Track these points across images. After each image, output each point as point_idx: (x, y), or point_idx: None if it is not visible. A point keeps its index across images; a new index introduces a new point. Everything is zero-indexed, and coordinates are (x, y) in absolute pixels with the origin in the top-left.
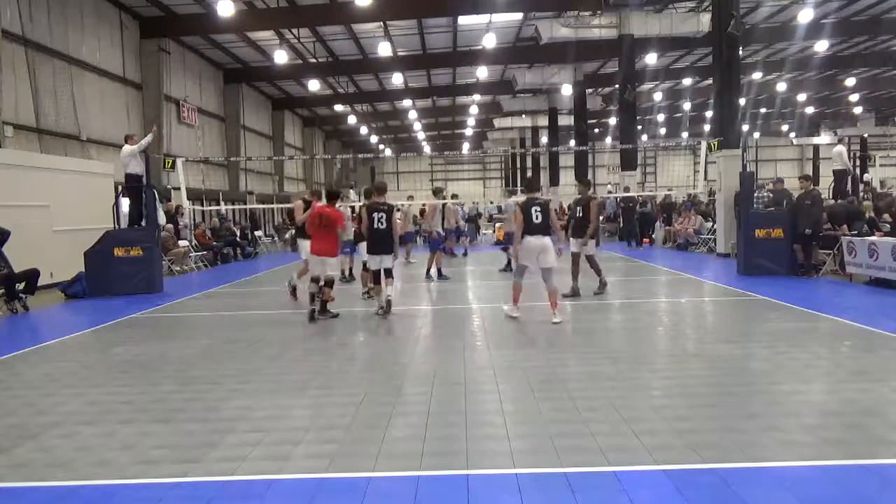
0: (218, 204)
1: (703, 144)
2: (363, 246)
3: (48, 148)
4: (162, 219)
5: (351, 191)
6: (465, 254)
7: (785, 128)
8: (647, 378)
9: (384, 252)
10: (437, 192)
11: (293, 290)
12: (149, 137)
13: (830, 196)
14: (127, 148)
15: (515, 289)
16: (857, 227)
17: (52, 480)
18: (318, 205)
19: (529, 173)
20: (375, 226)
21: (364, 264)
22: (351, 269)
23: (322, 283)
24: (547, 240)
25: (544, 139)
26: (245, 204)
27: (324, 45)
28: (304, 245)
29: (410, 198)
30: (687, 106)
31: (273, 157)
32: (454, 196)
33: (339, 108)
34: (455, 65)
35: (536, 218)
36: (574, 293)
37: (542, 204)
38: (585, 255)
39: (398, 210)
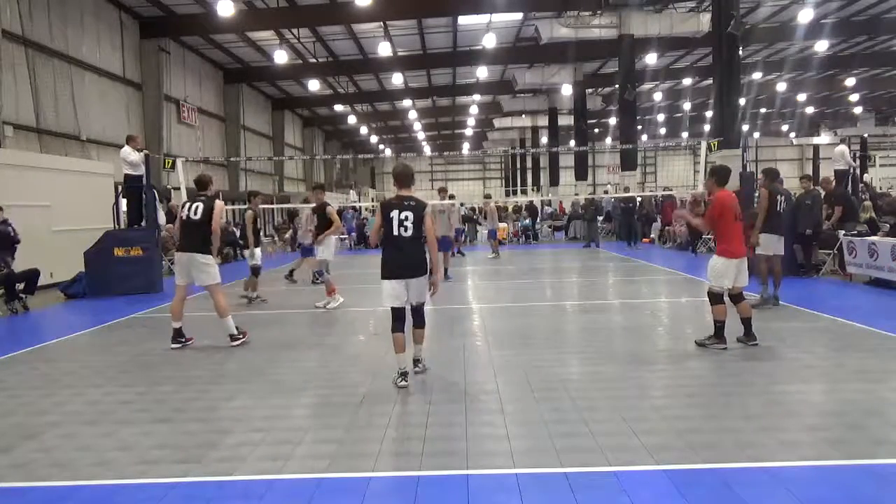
0: None
1: (703, 144)
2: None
3: (48, 148)
4: (162, 219)
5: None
6: (461, 253)
7: (785, 128)
8: (647, 378)
9: (406, 274)
10: (441, 192)
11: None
12: (140, 157)
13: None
14: (126, 150)
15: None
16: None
17: (52, 480)
18: (720, 192)
19: (529, 173)
20: (396, 232)
21: (253, 269)
22: (292, 271)
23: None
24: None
25: (544, 139)
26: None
27: (324, 45)
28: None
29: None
30: (687, 106)
31: (273, 157)
32: (451, 196)
33: (339, 108)
34: (455, 65)
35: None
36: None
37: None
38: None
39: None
